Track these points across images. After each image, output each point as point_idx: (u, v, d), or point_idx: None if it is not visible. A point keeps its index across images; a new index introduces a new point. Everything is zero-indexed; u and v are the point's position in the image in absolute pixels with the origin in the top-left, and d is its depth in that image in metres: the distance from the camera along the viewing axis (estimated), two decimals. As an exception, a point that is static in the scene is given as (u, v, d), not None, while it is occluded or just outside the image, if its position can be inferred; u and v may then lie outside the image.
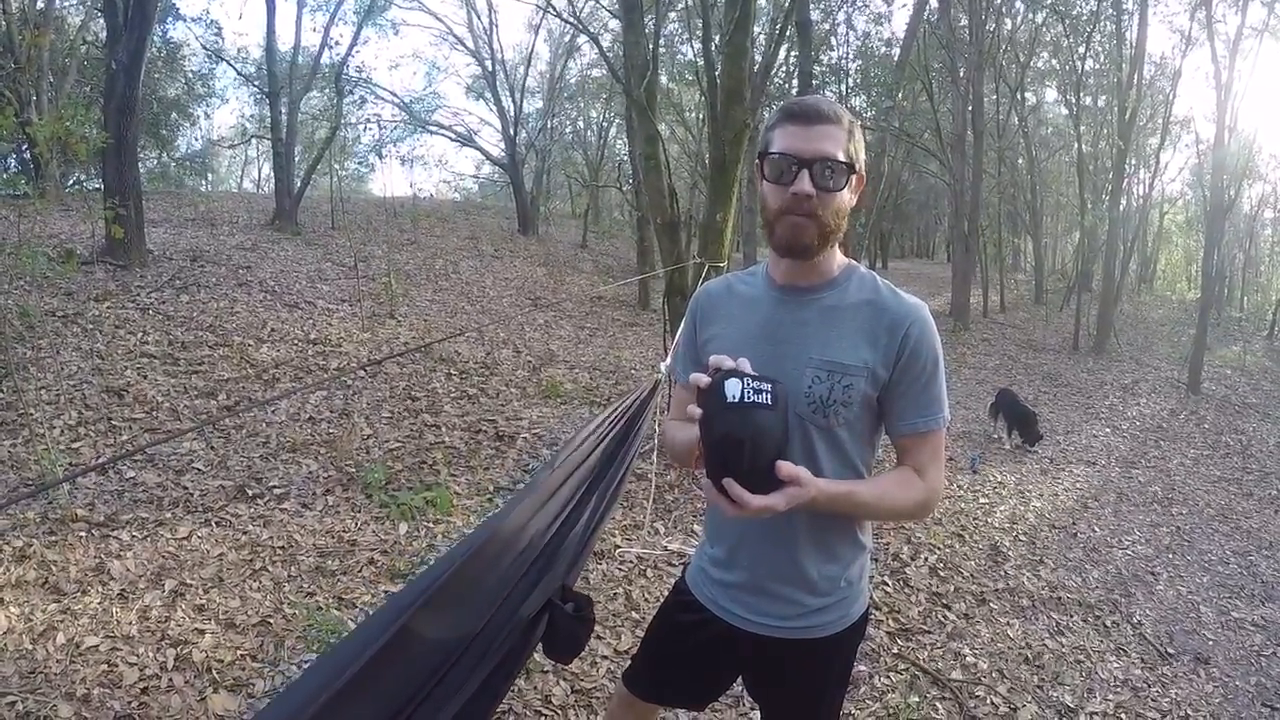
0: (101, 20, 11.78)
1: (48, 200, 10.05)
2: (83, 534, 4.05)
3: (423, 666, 1.53)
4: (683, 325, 1.85)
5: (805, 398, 1.55)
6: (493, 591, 1.80)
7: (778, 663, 1.75)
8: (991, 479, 7.79)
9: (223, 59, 19.03)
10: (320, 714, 1.22)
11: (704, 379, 1.37)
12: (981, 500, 7.04)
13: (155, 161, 21.67)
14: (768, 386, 1.32)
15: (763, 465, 1.33)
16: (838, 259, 1.63)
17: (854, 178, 1.54)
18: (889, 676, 3.86)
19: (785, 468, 1.33)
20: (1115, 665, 4.59)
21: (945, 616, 4.64)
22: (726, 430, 1.33)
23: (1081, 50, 20.58)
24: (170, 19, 17.67)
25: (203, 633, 3.38)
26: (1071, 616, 5.09)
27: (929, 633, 4.39)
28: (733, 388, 1.32)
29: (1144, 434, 11.34)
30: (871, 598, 4.09)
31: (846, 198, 1.54)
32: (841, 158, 1.49)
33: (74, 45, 15.73)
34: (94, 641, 3.21)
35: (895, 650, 4.12)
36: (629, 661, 2.08)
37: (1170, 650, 4.96)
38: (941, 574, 5.20)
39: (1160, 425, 12.09)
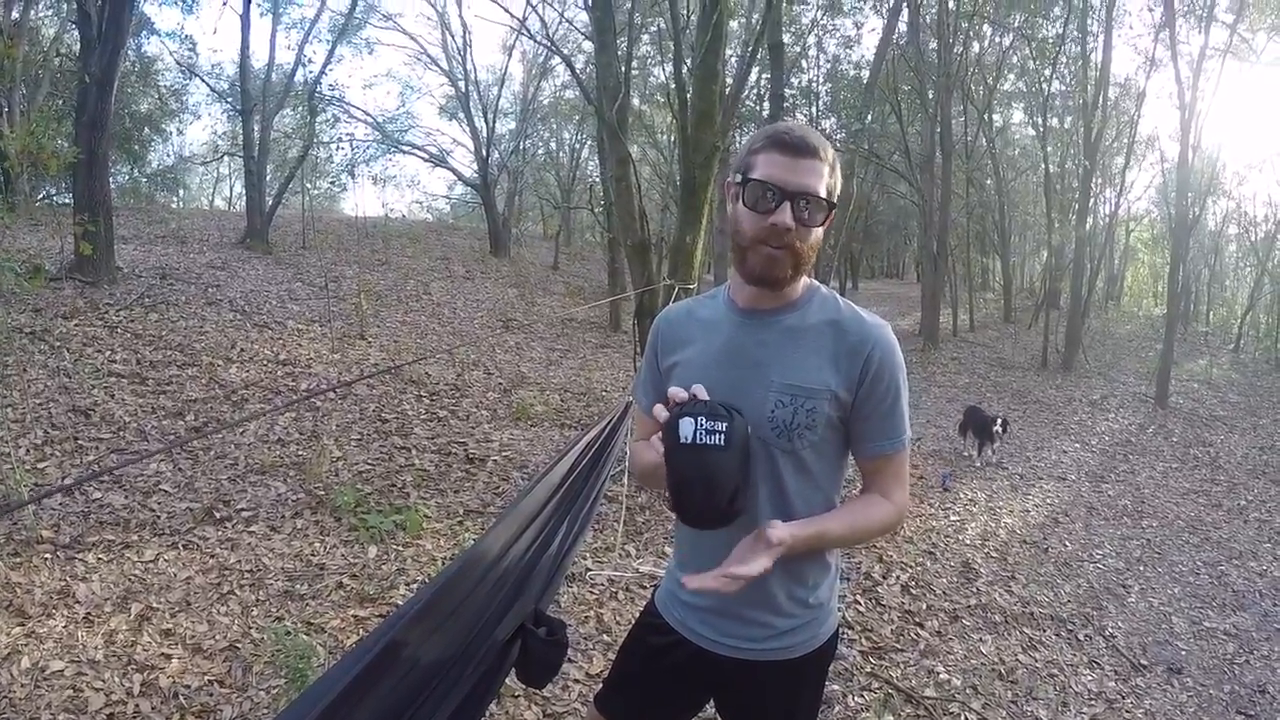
0: (75, 32, 11.68)
1: (16, 214, 9.91)
2: (48, 556, 3.99)
3: (402, 693, 1.52)
4: (645, 352, 1.85)
5: (769, 422, 1.55)
6: (469, 616, 1.79)
7: (748, 684, 1.74)
8: (962, 496, 7.84)
9: (196, 74, 18.96)
10: None
11: (663, 413, 1.38)
12: (953, 518, 7.08)
13: (126, 177, 21.46)
14: (722, 426, 1.33)
15: (717, 503, 1.36)
16: (800, 280, 1.63)
17: (830, 214, 1.55)
18: (862, 695, 3.86)
19: (775, 536, 1.39)
20: (1089, 678, 4.62)
21: (918, 634, 4.65)
22: (679, 470, 1.36)
23: (1048, 73, 20.90)
24: (145, 33, 17.57)
25: (169, 657, 3.33)
26: (1044, 631, 5.13)
27: (902, 651, 4.40)
28: (686, 428, 1.33)
29: (1113, 448, 11.46)
30: (844, 617, 4.10)
31: (821, 232, 1.55)
32: (823, 193, 1.49)
33: (47, 57, 15.57)
34: (59, 666, 3.16)
35: (868, 669, 4.12)
36: (600, 684, 2.07)
37: (1143, 661, 5.00)
38: (914, 592, 5.22)
39: (1129, 439, 12.23)
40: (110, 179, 10.48)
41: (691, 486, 1.36)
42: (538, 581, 2.09)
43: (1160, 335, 17.49)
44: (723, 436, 1.33)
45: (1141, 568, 6.77)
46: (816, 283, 1.67)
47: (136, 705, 3.02)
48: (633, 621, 2.07)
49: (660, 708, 1.92)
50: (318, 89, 18.04)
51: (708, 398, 1.39)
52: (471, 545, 2.03)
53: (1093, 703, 4.35)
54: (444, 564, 4.48)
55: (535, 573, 2.08)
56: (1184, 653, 5.27)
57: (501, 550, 1.93)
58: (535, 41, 17.53)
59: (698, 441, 1.32)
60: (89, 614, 3.58)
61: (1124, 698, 4.49)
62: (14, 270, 6.77)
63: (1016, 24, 19.11)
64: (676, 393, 1.41)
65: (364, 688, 1.37)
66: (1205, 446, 12.37)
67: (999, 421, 9.20)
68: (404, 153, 24.38)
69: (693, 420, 1.33)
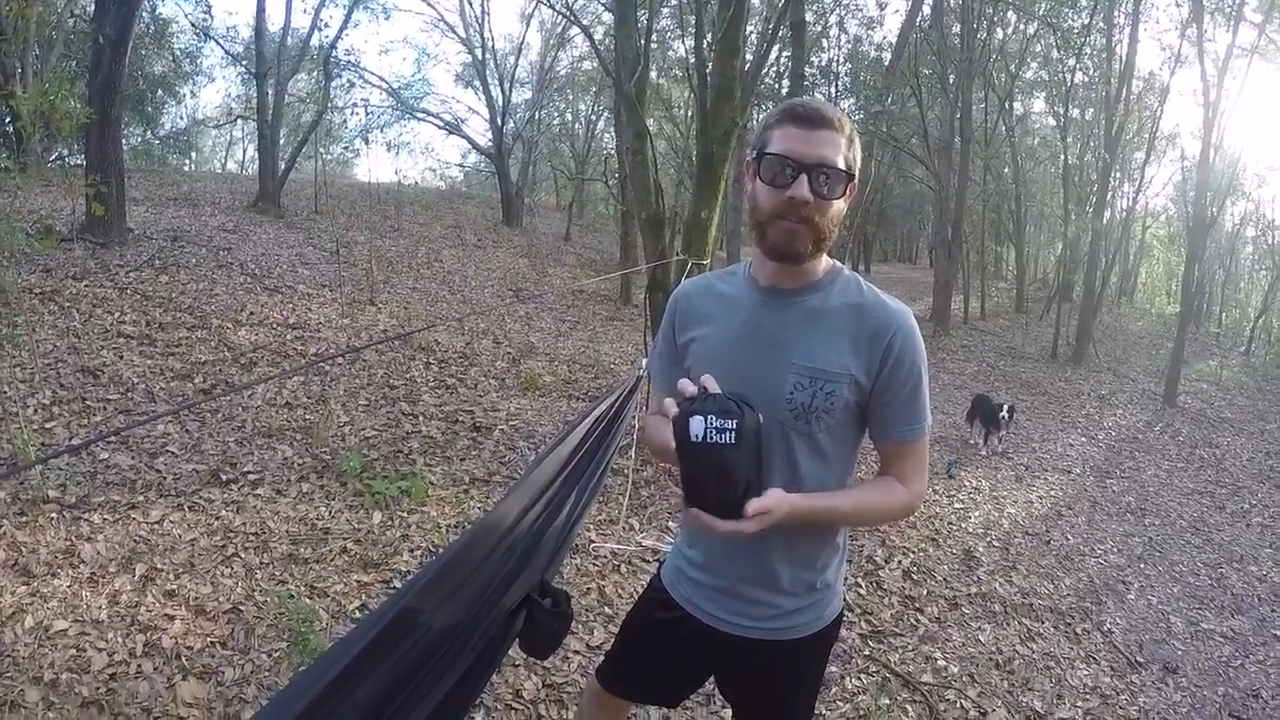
0: (90, -7, 11.64)
1: (29, 175, 9.92)
2: (54, 515, 4.00)
3: (413, 659, 1.53)
4: (662, 324, 1.83)
5: (787, 404, 1.54)
6: (479, 584, 1.79)
7: (751, 663, 1.75)
8: (967, 484, 7.83)
9: (211, 37, 18.82)
10: (312, 708, 1.22)
11: (673, 408, 1.37)
12: (956, 505, 7.08)
13: (139, 139, 21.40)
14: (732, 423, 1.31)
15: (731, 498, 1.35)
16: (823, 261, 1.61)
17: (850, 185, 1.53)
18: (860, 678, 3.87)
19: (750, 508, 1.35)
20: (1085, 672, 4.62)
21: (917, 620, 4.66)
22: (691, 467, 1.36)
23: (1071, 63, 20.69)
24: (160, -6, 17.48)
25: (173, 619, 3.35)
26: (1043, 623, 5.13)
27: (901, 635, 4.41)
28: (696, 426, 1.32)
29: (1119, 444, 11.44)
30: (845, 600, 4.10)
31: (842, 205, 1.52)
32: (841, 165, 1.47)
33: (61, 18, 15.49)
34: (63, 625, 3.17)
35: (867, 652, 4.13)
36: (602, 657, 2.08)
37: (1140, 659, 5.00)
38: (915, 577, 5.22)
39: (1135, 436, 12.20)
40: (123, 141, 10.45)
41: (704, 482, 1.36)
42: (544, 552, 2.09)
43: (1172, 334, 17.41)
44: (733, 434, 1.31)
45: (1142, 565, 6.76)
46: (839, 264, 1.65)
47: (139, 665, 3.04)
48: (635, 595, 2.07)
49: (662, 682, 1.94)
50: (333, 53, 17.97)
51: (718, 390, 1.37)
52: (484, 514, 2.04)
53: (1088, 697, 4.36)
54: (449, 531, 4.50)
55: (542, 543, 2.08)
56: (1180, 653, 5.27)
57: (514, 520, 1.93)
58: (554, 11, 17.43)
59: (709, 440, 1.31)
60: (93, 574, 3.59)
61: (1118, 694, 4.50)
62: (25, 231, 6.79)
63: (1042, 12, 18.89)
64: (685, 386, 1.39)
65: (379, 653, 1.38)
66: (1211, 448, 12.33)
67: (1005, 408, 9.17)
68: (418, 119, 24.35)
69: (703, 419, 1.32)
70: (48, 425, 5.03)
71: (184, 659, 3.12)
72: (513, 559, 1.93)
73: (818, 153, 1.45)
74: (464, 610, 1.72)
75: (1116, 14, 18.57)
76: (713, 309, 1.69)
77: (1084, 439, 11.35)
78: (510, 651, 2.23)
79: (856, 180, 1.54)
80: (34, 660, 2.95)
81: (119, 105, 9.21)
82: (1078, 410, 13.39)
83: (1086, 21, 19.29)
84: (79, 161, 12.17)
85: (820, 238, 1.51)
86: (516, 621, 1.93)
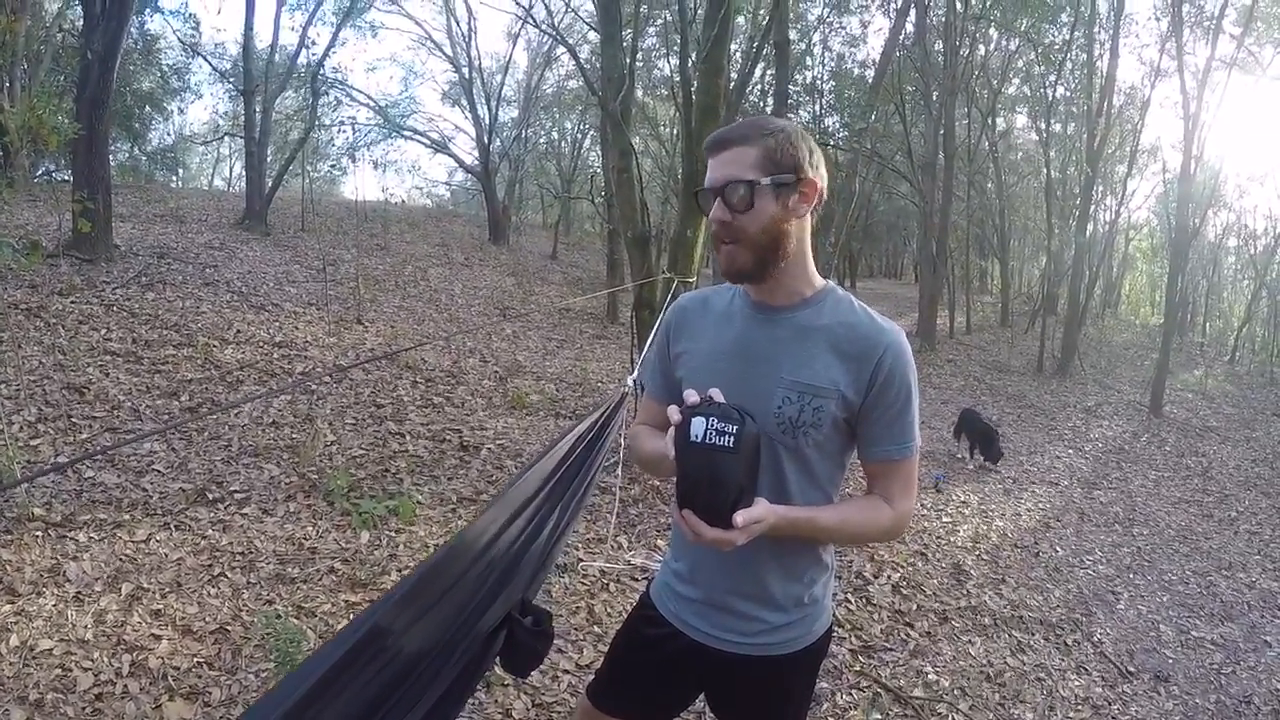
0: (79, 8, 11.63)
1: (15, 190, 9.90)
2: (39, 534, 3.98)
3: (386, 679, 1.52)
4: (656, 336, 1.84)
5: (775, 418, 1.54)
6: (456, 603, 1.78)
7: (741, 679, 1.75)
8: (955, 498, 7.84)
9: (199, 54, 18.84)
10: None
11: (676, 414, 1.39)
12: (945, 519, 7.08)
13: (126, 155, 21.36)
14: (732, 428, 1.33)
15: (721, 504, 1.36)
16: (813, 279, 1.61)
17: (786, 190, 1.50)
18: (851, 694, 3.87)
19: (740, 519, 1.36)
20: (1076, 683, 4.63)
21: (908, 634, 4.66)
22: (686, 468, 1.37)
23: (1052, 78, 20.91)
24: (148, 10, 17.45)
25: (159, 638, 3.32)
26: (1033, 635, 5.13)
27: (891, 650, 4.41)
28: (697, 427, 1.34)
29: (1106, 455, 11.48)
30: (834, 615, 4.10)
31: (772, 211, 1.50)
32: (747, 175, 1.47)
33: (50, 33, 15.46)
34: (48, 645, 3.15)
35: (857, 667, 4.13)
36: (592, 675, 2.07)
37: (1131, 668, 5.01)
38: (904, 592, 5.22)
39: (1122, 447, 12.25)
40: (110, 157, 10.45)
41: (698, 486, 1.37)
42: (526, 570, 2.09)
43: (1156, 344, 17.54)
44: (731, 439, 1.33)
45: (1131, 575, 6.78)
46: (832, 283, 1.66)
47: (125, 686, 3.01)
48: (624, 613, 2.07)
49: (652, 700, 1.93)
50: (320, 71, 18.00)
51: (723, 400, 1.39)
52: (459, 531, 2.03)
53: (1079, 708, 4.36)
54: (436, 551, 4.48)
55: (524, 562, 2.08)
56: (1171, 661, 5.28)
57: (491, 538, 1.93)
58: (540, 30, 17.53)
59: (706, 441, 1.33)
60: (79, 593, 3.57)
61: (1110, 704, 4.50)
62: (11, 246, 6.76)
63: (1023, 28, 19.08)
64: (689, 394, 1.41)
65: (348, 673, 1.37)
66: (1198, 457, 12.40)
67: (998, 442, 9.21)
68: (405, 138, 24.41)
69: (704, 420, 1.34)
70: (33, 442, 5.00)
71: (170, 679, 3.09)
72: (492, 577, 1.92)
73: (722, 173, 1.50)
74: (443, 628, 1.71)
75: (1097, 29, 18.77)
76: (706, 323, 1.70)
77: (1071, 451, 11.39)
78: (499, 670, 2.22)
79: (810, 177, 1.52)
80: (19, 680, 2.92)
81: (106, 121, 9.21)
82: (1064, 422, 13.45)
83: (1067, 37, 19.51)
84: (66, 177, 12.13)
85: (761, 251, 1.51)
86: (497, 640, 1.92)
